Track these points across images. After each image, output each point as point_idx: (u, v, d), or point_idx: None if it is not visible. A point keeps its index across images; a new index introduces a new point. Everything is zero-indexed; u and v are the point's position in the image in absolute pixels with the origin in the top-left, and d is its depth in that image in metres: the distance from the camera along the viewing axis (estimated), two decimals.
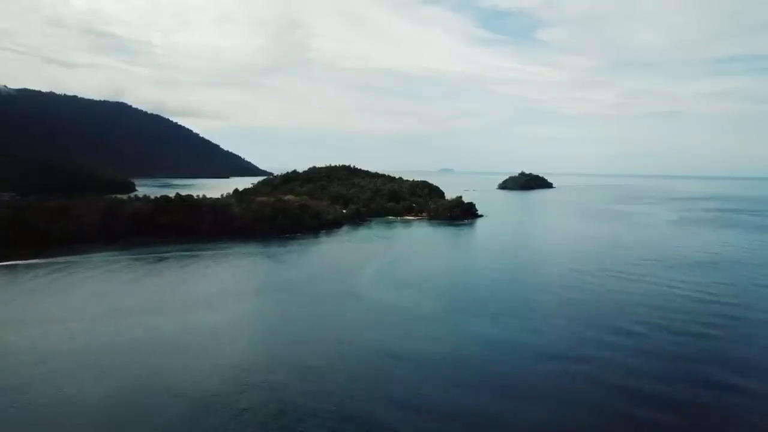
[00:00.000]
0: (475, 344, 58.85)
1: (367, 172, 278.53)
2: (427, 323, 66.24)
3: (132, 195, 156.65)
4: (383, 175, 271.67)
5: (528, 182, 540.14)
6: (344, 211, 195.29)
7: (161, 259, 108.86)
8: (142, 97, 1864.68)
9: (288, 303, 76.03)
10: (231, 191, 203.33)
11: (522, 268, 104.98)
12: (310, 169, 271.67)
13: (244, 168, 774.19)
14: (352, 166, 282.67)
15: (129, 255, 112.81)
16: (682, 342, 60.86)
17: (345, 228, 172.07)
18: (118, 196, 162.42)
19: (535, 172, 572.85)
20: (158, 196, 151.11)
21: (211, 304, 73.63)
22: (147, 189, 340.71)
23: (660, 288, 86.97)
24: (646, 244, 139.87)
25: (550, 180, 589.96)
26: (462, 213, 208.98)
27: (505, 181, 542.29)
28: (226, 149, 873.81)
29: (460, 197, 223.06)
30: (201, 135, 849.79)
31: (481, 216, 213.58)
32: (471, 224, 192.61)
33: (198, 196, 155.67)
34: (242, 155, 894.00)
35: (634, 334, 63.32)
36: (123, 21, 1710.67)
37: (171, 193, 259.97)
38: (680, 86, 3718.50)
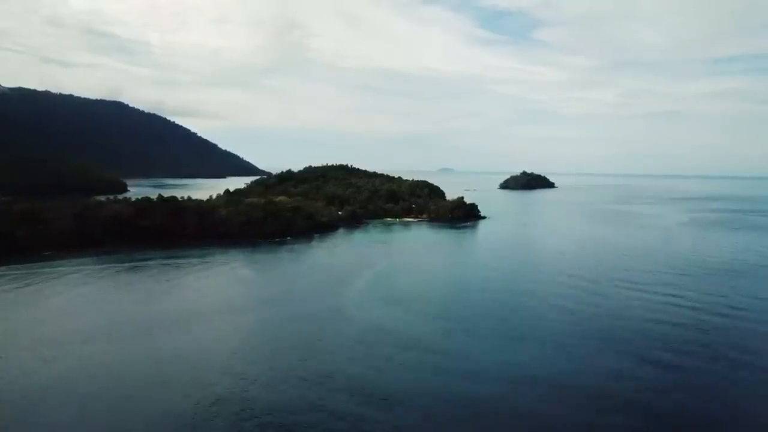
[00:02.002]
0: (470, 396, 46.62)
1: (365, 171, 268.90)
2: (419, 356, 55.20)
3: (111, 197, 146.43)
4: (382, 175, 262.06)
5: (530, 182, 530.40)
6: (340, 212, 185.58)
7: (135, 268, 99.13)
8: (141, 96, 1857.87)
9: (262, 325, 66.01)
10: (223, 192, 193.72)
11: (531, 280, 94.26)
12: (305, 168, 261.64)
13: (243, 168, 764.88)
14: (349, 165, 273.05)
15: (101, 263, 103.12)
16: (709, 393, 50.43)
17: (340, 231, 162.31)
18: (98, 197, 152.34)
19: (535, 172, 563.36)
20: (140, 197, 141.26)
21: (174, 327, 63.65)
22: (140, 189, 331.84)
23: (688, 311, 74.23)
24: (662, 250, 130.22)
25: (551, 179, 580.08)
26: (464, 214, 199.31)
27: (507, 181, 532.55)
28: (224, 149, 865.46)
29: (462, 198, 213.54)
30: (199, 135, 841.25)
31: (483, 218, 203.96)
32: (473, 226, 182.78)
33: (183, 197, 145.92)
34: (242, 155, 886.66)
35: (655, 384, 52.24)
36: (122, 21, 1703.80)
37: (164, 194, 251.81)
38: (680, 86, 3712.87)
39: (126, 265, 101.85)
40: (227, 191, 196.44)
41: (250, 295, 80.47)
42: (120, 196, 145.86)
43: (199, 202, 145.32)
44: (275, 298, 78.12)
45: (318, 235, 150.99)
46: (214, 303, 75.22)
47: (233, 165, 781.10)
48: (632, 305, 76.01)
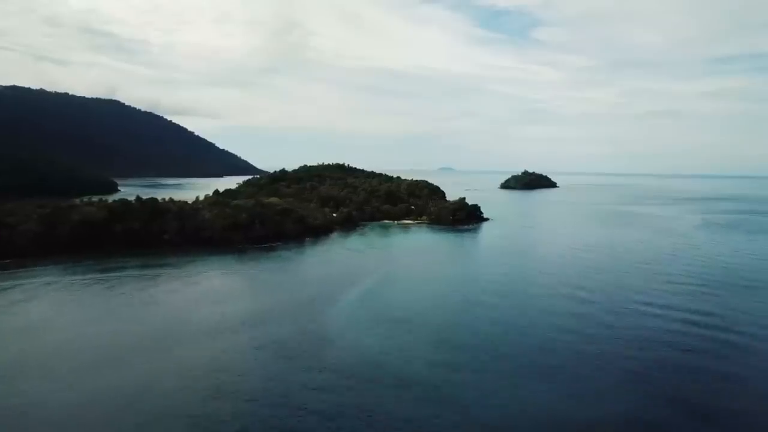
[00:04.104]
0: None
1: (363, 171, 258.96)
2: (414, 402, 44.80)
3: (93, 198, 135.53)
4: (380, 175, 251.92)
5: (531, 181, 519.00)
6: (334, 214, 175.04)
7: (102, 280, 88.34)
8: (138, 95, 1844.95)
9: (231, 354, 55.05)
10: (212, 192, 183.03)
11: (541, 298, 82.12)
12: (300, 167, 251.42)
13: (241, 167, 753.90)
14: (346, 164, 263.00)
15: (67, 273, 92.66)
16: None
17: (334, 235, 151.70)
18: (85, 198, 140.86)
19: (536, 171, 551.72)
20: (116, 199, 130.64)
21: (120, 358, 53.17)
22: (132, 189, 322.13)
23: (719, 346, 60.19)
24: (679, 258, 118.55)
25: (552, 179, 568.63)
26: (466, 216, 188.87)
27: (508, 180, 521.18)
28: (222, 148, 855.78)
29: (464, 199, 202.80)
30: (197, 134, 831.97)
31: (486, 219, 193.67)
32: (476, 230, 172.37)
33: (164, 198, 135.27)
34: (240, 155, 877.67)
35: None
36: (120, 20, 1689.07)
37: (157, 193, 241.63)
38: (680, 85, 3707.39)
39: (93, 276, 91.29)
40: (216, 191, 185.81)
41: (224, 314, 69.74)
42: (94, 198, 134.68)
43: (182, 204, 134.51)
44: (252, 319, 67.56)
45: (310, 239, 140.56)
46: (182, 325, 64.68)
47: (231, 164, 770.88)
48: (654, 338, 62.12)
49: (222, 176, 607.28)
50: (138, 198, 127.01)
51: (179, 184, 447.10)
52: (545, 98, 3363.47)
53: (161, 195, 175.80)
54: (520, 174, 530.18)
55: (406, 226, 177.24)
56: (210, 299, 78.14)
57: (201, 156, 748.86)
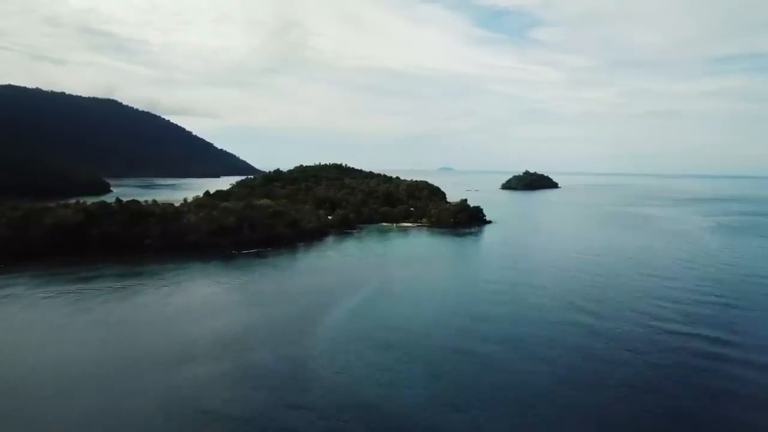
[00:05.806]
0: None
1: (360, 171, 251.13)
2: None
3: (59, 201, 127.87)
4: (378, 175, 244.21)
5: (533, 182, 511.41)
6: (330, 217, 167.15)
7: (67, 292, 80.00)
8: (137, 95, 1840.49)
9: (192, 388, 47.01)
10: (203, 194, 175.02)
11: (550, 318, 72.45)
12: (296, 167, 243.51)
13: (239, 167, 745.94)
14: (343, 164, 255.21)
15: (29, 284, 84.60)
16: None
17: (329, 239, 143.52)
18: (74, 199, 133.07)
19: (536, 171, 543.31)
20: (94, 201, 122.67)
21: (64, 389, 45.20)
22: (125, 189, 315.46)
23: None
24: (697, 270, 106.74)
25: (553, 179, 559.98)
26: (468, 219, 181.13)
27: (509, 181, 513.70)
28: (220, 148, 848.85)
29: (465, 200, 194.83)
30: (195, 134, 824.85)
31: (489, 222, 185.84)
32: (478, 233, 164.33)
33: (146, 201, 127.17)
34: (240, 155, 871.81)
35: None
36: (120, 20, 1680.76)
37: (151, 193, 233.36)
38: (680, 85, 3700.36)
39: (60, 287, 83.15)
40: (206, 193, 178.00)
41: (195, 335, 61.46)
42: (82, 199, 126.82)
43: (166, 206, 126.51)
44: (224, 342, 59.25)
45: (303, 244, 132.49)
46: (146, 350, 56.52)
47: (230, 165, 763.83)
48: (675, 378, 53.47)
49: (220, 176, 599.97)
50: (118, 200, 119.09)
51: (174, 185, 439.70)
52: (545, 98, 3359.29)
53: (155, 196, 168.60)
54: (521, 174, 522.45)
55: (405, 229, 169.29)
56: (185, 316, 69.91)
57: (199, 156, 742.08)
